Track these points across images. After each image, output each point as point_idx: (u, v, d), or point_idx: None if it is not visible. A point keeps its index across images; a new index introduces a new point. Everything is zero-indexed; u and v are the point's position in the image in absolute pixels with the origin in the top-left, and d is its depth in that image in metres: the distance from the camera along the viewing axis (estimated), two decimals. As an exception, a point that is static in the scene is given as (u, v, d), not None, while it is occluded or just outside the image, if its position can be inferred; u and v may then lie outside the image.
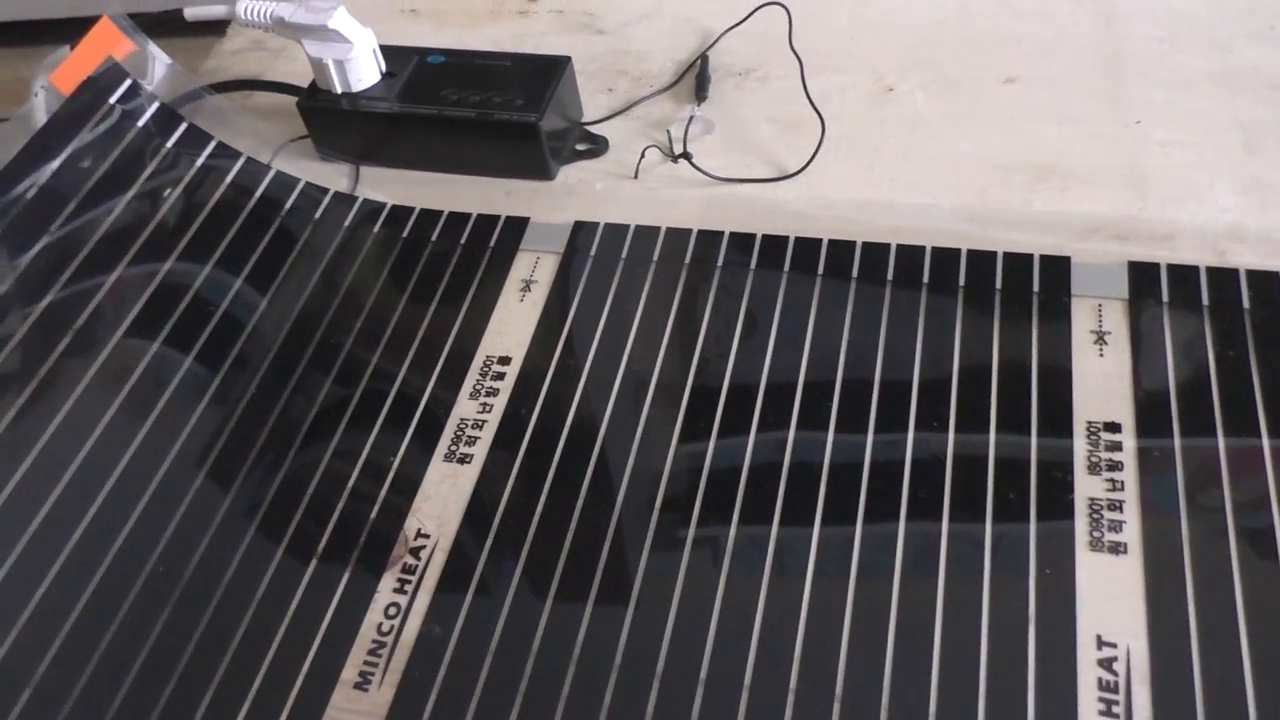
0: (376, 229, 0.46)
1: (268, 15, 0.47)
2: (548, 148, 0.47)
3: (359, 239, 0.46)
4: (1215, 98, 0.47)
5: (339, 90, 0.48)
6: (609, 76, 0.53)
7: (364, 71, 0.48)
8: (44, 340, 0.42)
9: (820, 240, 0.43)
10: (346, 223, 0.47)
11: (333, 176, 0.49)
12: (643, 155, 0.47)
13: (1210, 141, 0.45)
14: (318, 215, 0.47)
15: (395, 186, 0.49)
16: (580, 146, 0.49)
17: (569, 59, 0.49)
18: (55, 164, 0.45)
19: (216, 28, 0.57)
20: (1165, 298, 0.40)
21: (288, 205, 0.47)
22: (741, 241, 0.44)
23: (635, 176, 0.47)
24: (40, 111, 0.47)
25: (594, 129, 0.50)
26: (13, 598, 0.36)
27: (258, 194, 0.47)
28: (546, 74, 0.48)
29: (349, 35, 0.46)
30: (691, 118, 0.48)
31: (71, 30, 0.50)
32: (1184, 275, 0.40)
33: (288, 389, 0.41)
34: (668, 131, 0.48)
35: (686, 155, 0.47)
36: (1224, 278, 0.40)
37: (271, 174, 0.48)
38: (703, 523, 0.36)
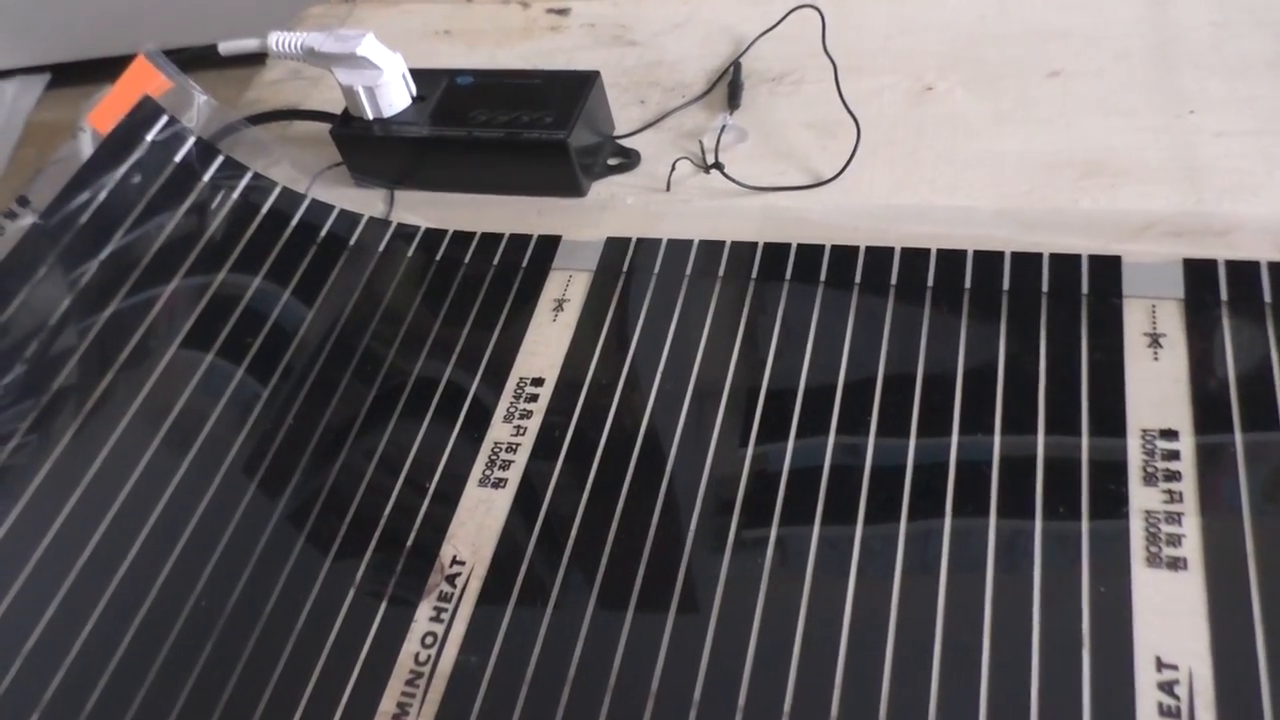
0: (411, 252, 0.46)
1: (298, 46, 0.48)
2: (578, 164, 0.46)
3: (393, 263, 0.46)
4: (1273, 84, 0.44)
5: (370, 116, 0.48)
6: (641, 88, 0.52)
7: (394, 96, 0.48)
8: (99, 363, 0.43)
9: (857, 248, 0.42)
10: (381, 248, 0.47)
11: (369, 201, 0.49)
12: (674, 167, 0.47)
13: (1269, 130, 0.43)
14: (353, 241, 0.47)
15: (430, 209, 0.48)
16: (612, 161, 0.48)
17: (598, 73, 0.48)
18: (95, 202, 0.46)
19: (256, 59, 0.58)
20: (1224, 296, 0.38)
21: (323, 232, 0.47)
22: (776, 251, 0.43)
23: (667, 189, 0.47)
24: (85, 150, 0.48)
25: (625, 142, 0.49)
26: (64, 630, 0.36)
27: (294, 222, 0.48)
28: (576, 90, 0.47)
29: (378, 61, 0.46)
30: (724, 127, 0.48)
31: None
32: (1243, 272, 0.38)
33: (324, 416, 0.41)
34: (700, 142, 0.48)
35: (718, 165, 0.46)
36: (1287, 272, 0.38)
37: (307, 201, 0.48)
38: (739, 539, 0.35)
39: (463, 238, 0.47)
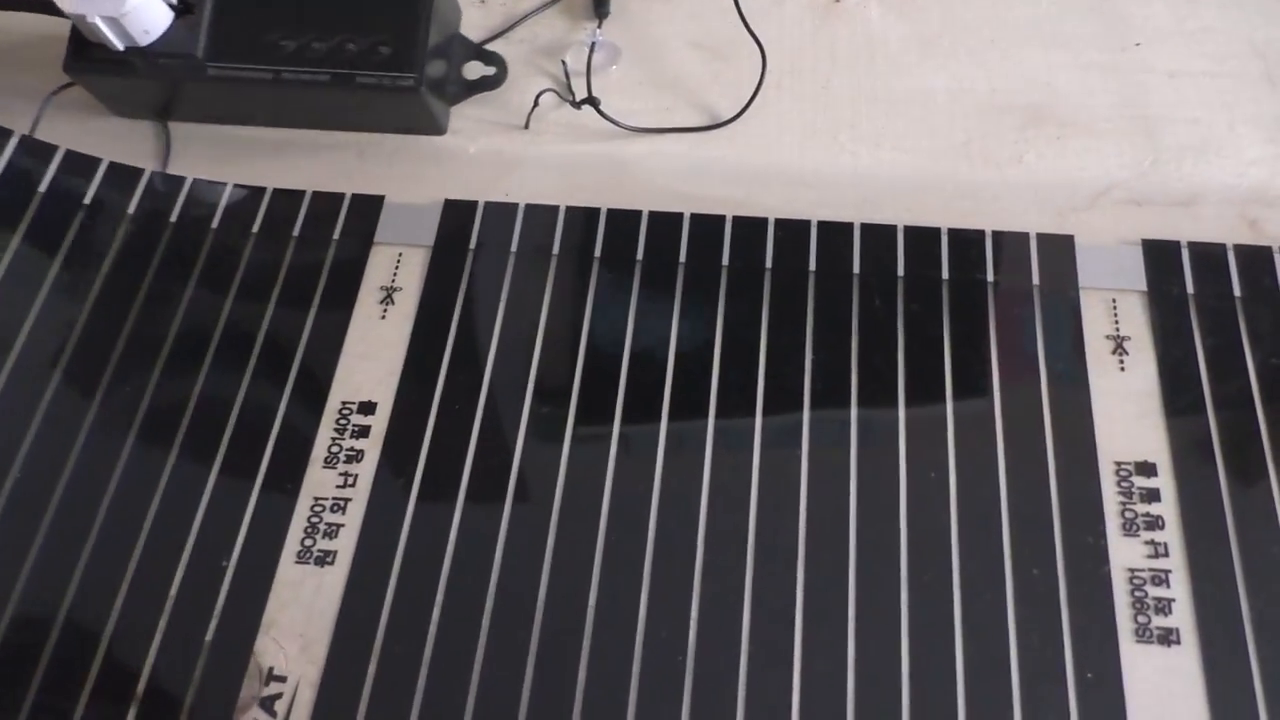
0: (173, 217, 0.34)
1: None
2: (434, 104, 0.35)
3: (145, 236, 0.34)
4: (1222, 13, 0.38)
5: (120, 47, 0.34)
6: (476, -20, 0.41)
7: (149, 19, 0.33)
8: None
9: (766, 220, 0.33)
10: (130, 210, 0.34)
11: (131, 137, 0.36)
12: (536, 102, 0.36)
13: (1225, 72, 0.37)
14: (87, 200, 0.34)
15: (213, 147, 0.36)
16: (471, 75, 0.37)
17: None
18: None
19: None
20: (1190, 287, 0.32)
21: (40, 190, 0.34)
22: (665, 223, 0.34)
23: (526, 127, 0.36)
24: None
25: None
26: None
27: (-2, 171, 0.34)
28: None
29: None
30: (593, 44, 0.37)
31: None
32: (1208, 257, 0.33)
33: (63, 470, 0.30)
34: (563, 62, 0.37)
35: (592, 100, 0.36)
36: (1255, 260, 0.33)
37: (14, 142, 0.35)
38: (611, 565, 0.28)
39: (249, 198, 0.35)
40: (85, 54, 0.34)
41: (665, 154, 0.36)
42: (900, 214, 0.34)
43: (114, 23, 0.33)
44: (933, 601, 0.28)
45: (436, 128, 0.36)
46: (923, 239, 0.33)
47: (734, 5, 0.37)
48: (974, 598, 0.28)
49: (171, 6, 0.34)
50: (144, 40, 0.33)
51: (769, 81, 0.37)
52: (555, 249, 0.33)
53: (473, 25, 0.38)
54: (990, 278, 0.33)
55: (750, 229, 0.33)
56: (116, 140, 0.36)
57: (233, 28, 0.34)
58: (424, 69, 0.33)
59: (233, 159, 0.36)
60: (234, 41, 0.34)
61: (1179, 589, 0.28)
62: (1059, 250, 0.33)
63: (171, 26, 0.34)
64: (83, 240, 0.34)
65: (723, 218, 0.33)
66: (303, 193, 0.35)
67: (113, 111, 0.37)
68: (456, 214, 0.34)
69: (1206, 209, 0.34)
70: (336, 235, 0.34)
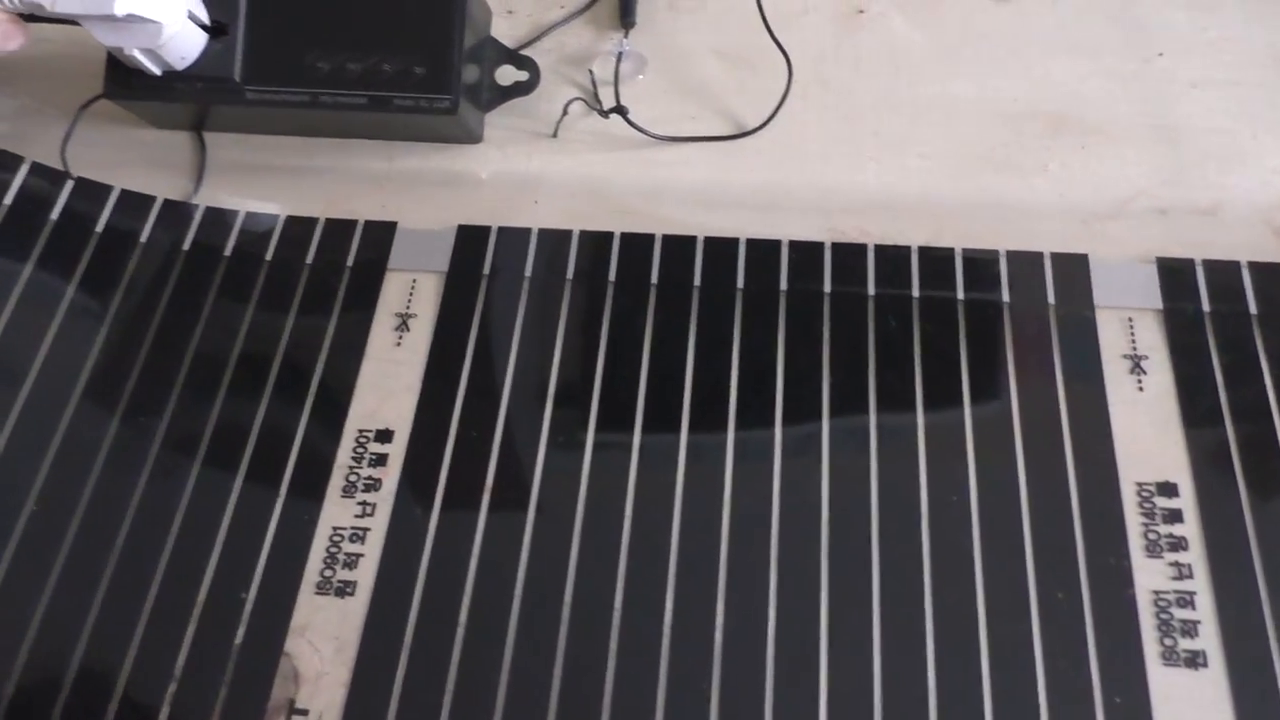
0: (186, 245, 0.34)
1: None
2: (469, 119, 0.35)
3: (157, 265, 0.34)
4: (1243, 20, 0.38)
5: (157, 73, 0.34)
6: (509, -9, 0.40)
7: (184, 46, 0.33)
8: None
9: (780, 243, 0.33)
10: (143, 238, 0.34)
11: (165, 147, 0.37)
12: (565, 110, 0.36)
13: (1246, 80, 0.36)
14: (99, 228, 0.34)
15: (246, 157, 0.37)
16: (505, 81, 0.37)
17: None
18: None
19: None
20: (1206, 305, 0.32)
21: (52, 218, 0.34)
22: (679, 246, 0.33)
23: (555, 135, 0.36)
24: None
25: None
26: None
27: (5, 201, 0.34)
28: (435, 9, 0.34)
29: (151, 15, 0.32)
30: (620, 54, 0.37)
31: None
32: (1224, 275, 0.32)
33: (79, 505, 0.30)
34: (590, 72, 0.37)
35: (620, 110, 0.36)
36: (1270, 276, 0.32)
37: (25, 169, 0.35)
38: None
39: (263, 225, 0.34)
40: (123, 79, 0.34)
41: (692, 162, 0.36)
42: (923, 222, 0.34)
43: (151, 52, 0.33)
44: (957, 625, 0.27)
45: (472, 137, 0.36)
46: (937, 260, 0.33)
47: (759, 15, 0.37)
48: (998, 622, 0.27)
49: (204, 28, 0.34)
50: (180, 65, 0.33)
51: (793, 91, 0.36)
52: (570, 273, 0.33)
53: (501, 36, 0.38)
54: (1005, 298, 0.32)
55: (764, 251, 0.33)
56: (151, 151, 0.37)
57: (267, 49, 0.34)
58: (459, 88, 0.33)
59: (266, 170, 0.36)
60: (270, 64, 0.34)
61: (1204, 610, 0.28)
62: (1074, 269, 0.33)
63: (206, 49, 0.34)
64: (95, 269, 0.33)
65: (736, 241, 0.33)
66: (315, 220, 0.34)
67: (148, 124, 0.37)
68: (470, 240, 0.34)
69: (1231, 217, 0.34)
70: (350, 262, 0.34)
